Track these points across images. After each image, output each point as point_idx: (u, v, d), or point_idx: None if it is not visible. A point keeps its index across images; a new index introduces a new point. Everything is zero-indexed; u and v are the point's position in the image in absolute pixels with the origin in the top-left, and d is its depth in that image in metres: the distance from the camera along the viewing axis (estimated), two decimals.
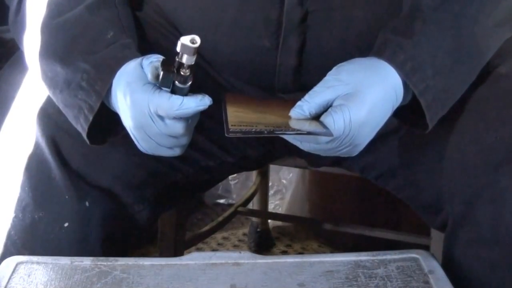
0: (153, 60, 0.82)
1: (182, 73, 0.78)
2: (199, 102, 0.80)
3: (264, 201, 1.73)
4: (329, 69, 0.93)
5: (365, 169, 1.03)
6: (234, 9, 0.91)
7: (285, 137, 0.83)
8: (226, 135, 0.77)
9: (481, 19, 0.87)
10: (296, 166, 1.51)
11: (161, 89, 0.80)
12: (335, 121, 0.79)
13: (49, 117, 0.92)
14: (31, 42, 0.94)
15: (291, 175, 1.90)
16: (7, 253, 0.88)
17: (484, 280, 0.86)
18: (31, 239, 0.90)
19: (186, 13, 0.95)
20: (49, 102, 0.92)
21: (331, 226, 1.57)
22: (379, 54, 0.85)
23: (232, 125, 0.79)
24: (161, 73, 0.80)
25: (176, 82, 0.79)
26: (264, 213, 1.76)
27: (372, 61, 0.85)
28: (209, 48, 0.96)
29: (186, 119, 0.81)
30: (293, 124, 0.81)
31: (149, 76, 0.81)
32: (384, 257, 0.84)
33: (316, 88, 0.83)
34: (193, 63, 0.78)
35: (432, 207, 0.95)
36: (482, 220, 0.85)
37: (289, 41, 0.92)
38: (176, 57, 0.78)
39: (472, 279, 0.87)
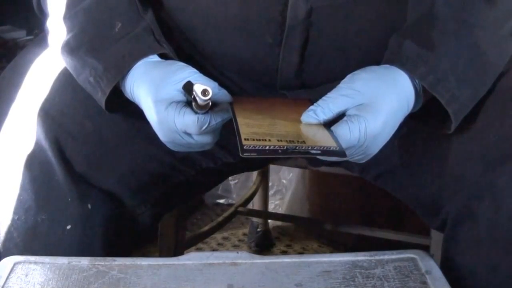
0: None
1: (201, 102, 0.80)
2: (225, 117, 0.83)
3: (264, 201, 1.73)
4: (331, 67, 0.93)
5: (365, 169, 1.03)
6: (237, 5, 0.91)
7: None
8: (240, 155, 0.76)
9: (496, 29, 0.88)
10: (296, 166, 1.51)
11: (186, 106, 0.82)
12: (351, 131, 0.79)
13: (52, 119, 0.91)
14: (52, 30, 0.94)
15: (291, 175, 1.90)
16: (9, 255, 0.87)
17: (483, 280, 0.86)
18: (33, 241, 0.90)
19: (189, 9, 0.95)
20: (51, 103, 0.92)
21: (331, 226, 1.57)
22: (399, 64, 0.85)
23: (245, 139, 0.78)
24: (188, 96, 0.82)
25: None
26: (264, 213, 1.76)
27: (387, 70, 0.85)
28: (211, 44, 0.96)
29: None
30: (304, 130, 0.81)
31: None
32: (381, 257, 0.84)
33: (330, 94, 0.83)
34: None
35: (431, 207, 0.94)
36: (481, 220, 0.85)
37: (292, 38, 0.91)
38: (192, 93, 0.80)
39: (471, 279, 0.87)
